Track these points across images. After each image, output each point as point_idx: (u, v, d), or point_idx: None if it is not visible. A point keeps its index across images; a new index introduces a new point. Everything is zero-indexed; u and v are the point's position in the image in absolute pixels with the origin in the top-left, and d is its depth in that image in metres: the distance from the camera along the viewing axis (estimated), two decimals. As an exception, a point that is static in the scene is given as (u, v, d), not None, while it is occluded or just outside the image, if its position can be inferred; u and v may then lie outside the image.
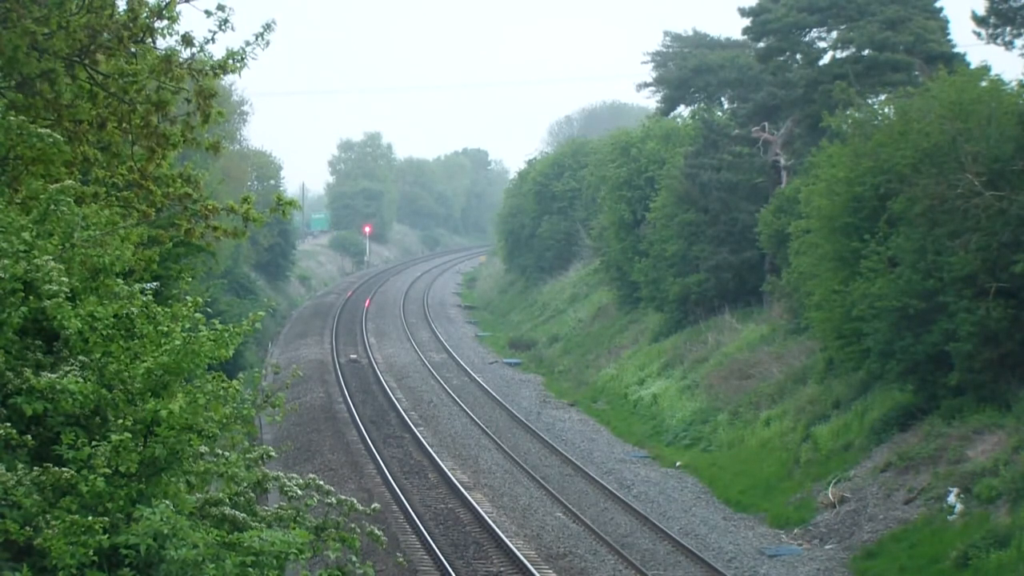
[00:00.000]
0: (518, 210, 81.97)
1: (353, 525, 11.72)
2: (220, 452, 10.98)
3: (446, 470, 31.74)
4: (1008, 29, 31.74)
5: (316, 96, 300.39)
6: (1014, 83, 29.28)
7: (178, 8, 13.04)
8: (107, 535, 8.88)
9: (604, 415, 41.51)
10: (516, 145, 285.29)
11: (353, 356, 52.94)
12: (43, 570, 8.82)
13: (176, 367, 9.91)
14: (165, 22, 13.00)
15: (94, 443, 9.50)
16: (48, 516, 9.02)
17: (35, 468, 9.32)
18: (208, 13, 12.79)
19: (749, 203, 44.23)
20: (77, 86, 13.01)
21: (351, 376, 47.68)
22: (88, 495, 9.18)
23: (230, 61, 13.08)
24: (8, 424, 9.44)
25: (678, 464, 33.91)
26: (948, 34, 42.23)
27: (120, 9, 13.12)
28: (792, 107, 43.88)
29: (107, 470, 9.28)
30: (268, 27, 13.19)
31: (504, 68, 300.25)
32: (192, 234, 14.26)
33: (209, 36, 12.99)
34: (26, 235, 10.30)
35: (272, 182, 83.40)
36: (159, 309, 10.58)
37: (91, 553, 8.77)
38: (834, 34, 43.84)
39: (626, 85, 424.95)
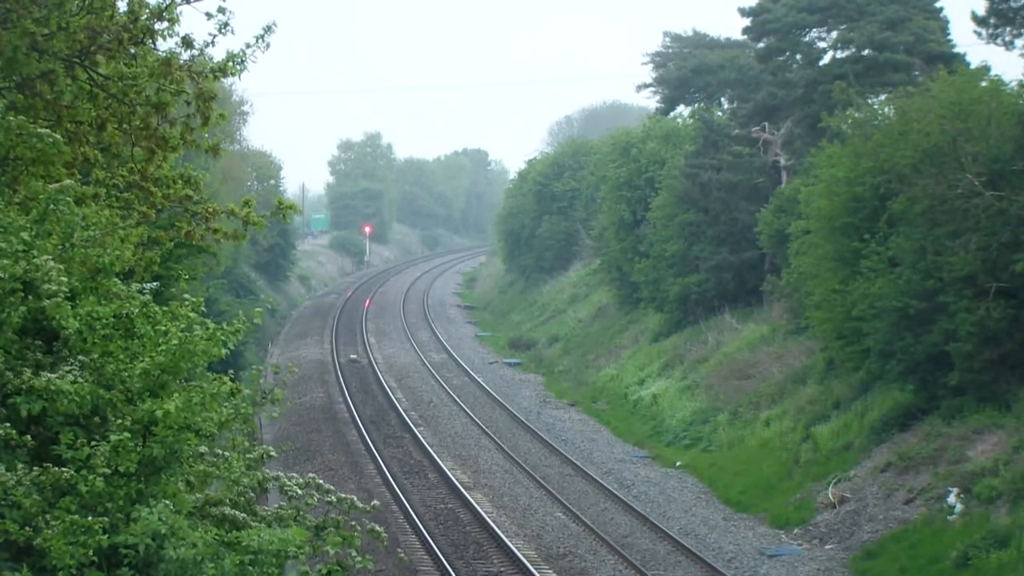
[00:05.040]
0: (518, 210, 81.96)
1: (354, 523, 11.73)
2: (220, 452, 10.98)
3: (446, 470, 31.75)
4: (1008, 29, 31.73)
5: (316, 96, 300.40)
6: (1014, 83, 29.31)
7: (179, 10, 13.04)
8: (106, 535, 8.89)
9: (604, 415, 41.51)
10: (516, 145, 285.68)
11: (353, 356, 52.95)
12: (43, 570, 8.83)
13: (173, 367, 9.92)
14: (165, 24, 12.99)
15: (93, 443, 9.51)
16: (48, 516, 9.03)
17: (35, 468, 9.32)
18: (209, 15, 12.80)
19: (749, 203, 44.24)
20: (77, 87, 13.01)
21: (351, 376, 47.69)
22: (87, 495, 9.19)
23: (230, 64, 13.08)
24: (8, 424, 9.45)
25: (678, 464, 33.92)
26: (948, 34, 42.26)
27: (120, 10, 13.12)
28: (792, 107, 43.89)
29: (106, 470, 9.29)
30: (269, 29, 13.18)
31: (504, 68, 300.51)
32: (192, 236, 14.27)
33: (209, 39, 12.99)
34: (25, 235, 10.30)
35: (272, 182, 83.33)
36: (158, 309, 10.60)
37: (90, 553, 8.79)
38: (834, 34, 43.86)
39: (626, 85, 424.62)
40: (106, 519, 9.02)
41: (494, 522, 26.73)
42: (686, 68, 55.67)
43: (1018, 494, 22.69)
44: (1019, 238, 25.60)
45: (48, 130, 11.91)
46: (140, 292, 10.99)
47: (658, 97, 59.72)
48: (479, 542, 25.63)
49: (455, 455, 34.30)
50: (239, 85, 68.82)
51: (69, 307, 10.09)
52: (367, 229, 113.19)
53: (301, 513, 11.17)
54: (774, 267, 41.74)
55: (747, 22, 46.14)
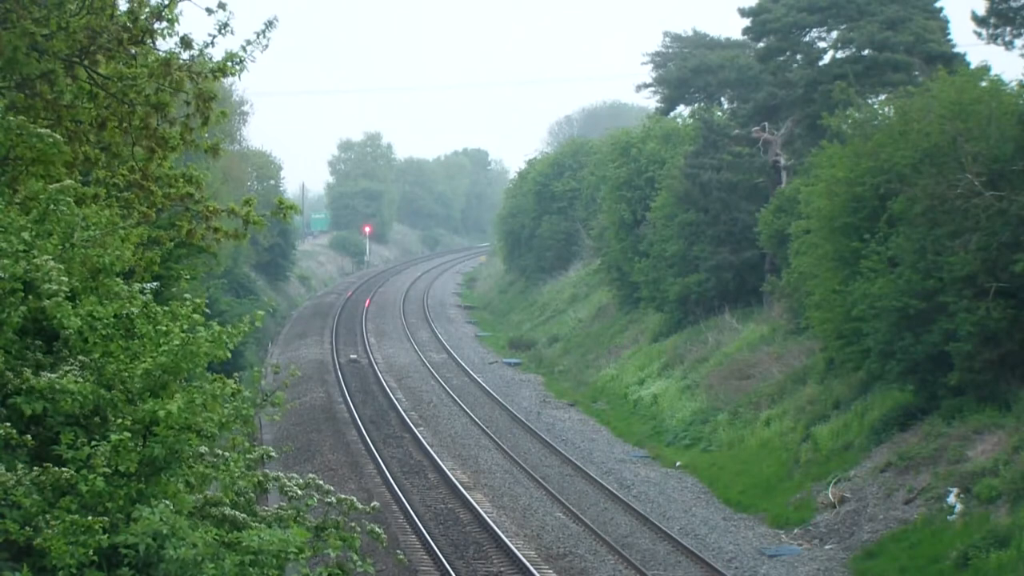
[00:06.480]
0: (518, 210, 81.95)
1: (353, 524, 11.72)
2: (220, 452, 10.98)
3: (446, 470, 31.74)
4: (1008, 29, 31.70)
5: (316, 96, 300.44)
6: (1014, 83, 29.33)
7: (179, 7, 13.04)
8: (107, 535, 8.89)
9: (604, 415, 41.51)
10: (516, 145, 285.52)
11: (353, 356, 52.94)
12: (43, 570, 8.83)
13: (175, 367, 9.91)
14: (165, 24, 12.99)
15: (94, 443, 9.51)
16: (48, 516, 9.02)
17: (35, 468, 9.32)
18: (209, 11, 12.81)
19: (749, 203, 44.24)
20: (77, 87, 13.01)
21: (351, 376, 47.68)
22: (88, 495, 9.18)
23: (229, 64, 13.07)
24: (8, 424, 9.45)
25: (678, 464, 33.92)
26: (948, 34, 42.27)
27: (120, 10, 13.12)
28: (792, 107, 43.89)
29: (107, 470, 9.28)
30: (270, 24, 13.17)
31: (504, 68, 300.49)
32: (193, 235, 14.26)
33: (209, 40, 13.00)
34: (26, 235, 10.29)
35: (272, 182, 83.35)
36: (159, 309, 10.59)
37: (91, 553, 8.78)
38: (834, 34, 43.87)
39: (626, 85, 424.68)
40: (106, 519, 9.02)
41: (494, 522, 26.72)
42: (686, 68, 55.60)
43: (1018, 494, 22.69)
44: (1019, 238, 25.60)
45: (48, 130, 11.91)
46: (140, 292, 10.98)
47: (658, 97, 59.66)
48: (479, 542, 25.62)
49: (455, 455, 34.29)
50: (239, 85, 68.85)
51: (69, 307, 10.08)
52: (367, 229, 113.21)
53: (301, 514, 11.17)
54: (774, 267, 41.74)
55: (747, 22, 46.16)
